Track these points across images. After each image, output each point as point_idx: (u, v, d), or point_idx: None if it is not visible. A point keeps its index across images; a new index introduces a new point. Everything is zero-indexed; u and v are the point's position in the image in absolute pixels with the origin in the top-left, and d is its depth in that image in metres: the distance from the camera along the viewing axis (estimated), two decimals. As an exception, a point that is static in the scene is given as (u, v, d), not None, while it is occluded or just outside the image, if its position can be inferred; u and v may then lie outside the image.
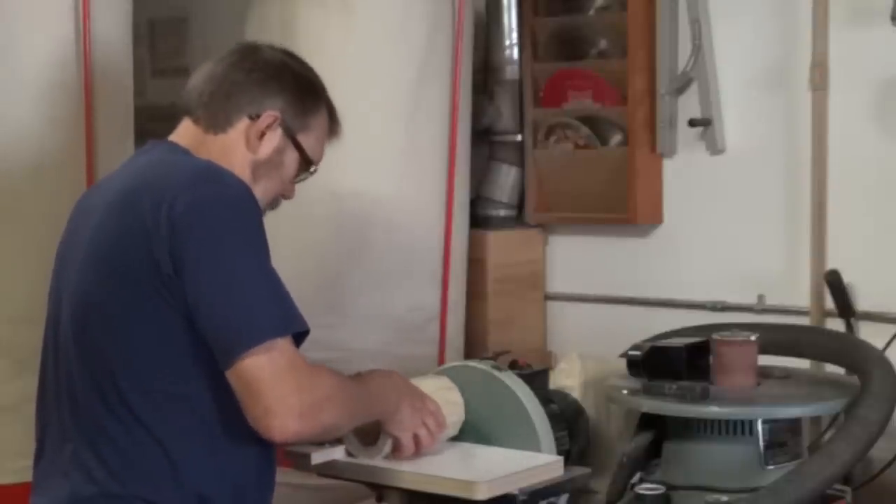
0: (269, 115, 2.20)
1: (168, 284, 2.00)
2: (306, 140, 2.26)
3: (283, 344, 2.00)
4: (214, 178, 2.08)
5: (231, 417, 2.05)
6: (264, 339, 1.97)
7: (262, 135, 2.20)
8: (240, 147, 2.20)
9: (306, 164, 2.27)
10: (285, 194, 2.30)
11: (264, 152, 2.21)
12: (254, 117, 2.20)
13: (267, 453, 2.15)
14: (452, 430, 2.54)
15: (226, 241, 2.01)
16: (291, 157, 2.25)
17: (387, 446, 2.38)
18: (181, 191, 2.03)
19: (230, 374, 1.99)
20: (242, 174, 2.18)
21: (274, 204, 2.30)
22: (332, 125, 2.32)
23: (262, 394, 1.97)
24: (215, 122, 2.21)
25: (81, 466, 2.08)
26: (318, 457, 2.37)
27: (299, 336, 2.05)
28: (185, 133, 2.23)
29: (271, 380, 1.97)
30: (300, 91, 2.25)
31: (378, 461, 2.39)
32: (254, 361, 1.97)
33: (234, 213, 2.04)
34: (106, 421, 2.06)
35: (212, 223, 2.01)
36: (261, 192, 2.21)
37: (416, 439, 2.36)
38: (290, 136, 2.23)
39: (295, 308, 2.05)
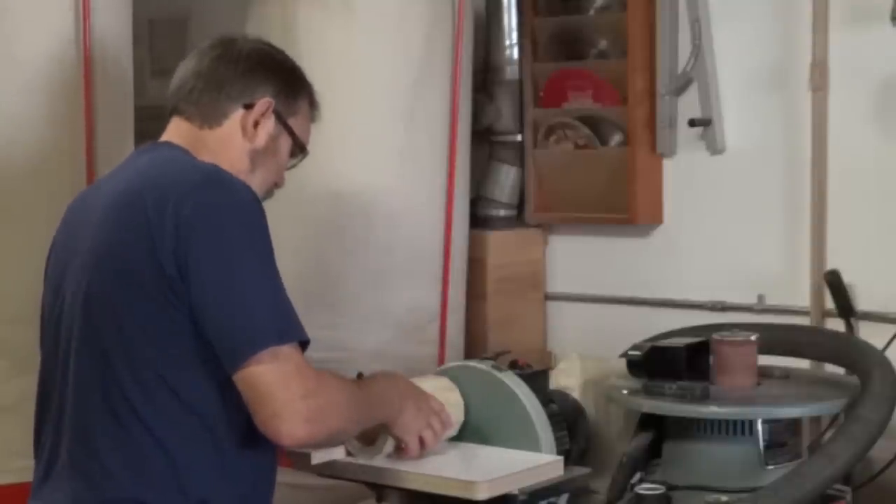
0: (263, 102, 2.21)
1: (172, 286, 1.99)
2: (296, 124, 2.27)
3: (289, 350, 1.99)
4: (222, 182, 2.07)
5: (235, 423, 2.05)
6: (269, 344, 1.97)
7: (256, 123, 2.21)
8: (237, 138, 2.21)
9: (299, 148, 2.29)
10: (278, 182, 2.30)
11: (261, 140, 2.21)
12: (248, 106, 2.21)
13: (269, 459, 2.15)
14: (452, 431, 2.53)
15: (232, 246, 2.00)
16: (284, 143, 2.26)
17: (386, 446, 2.38)
18: (188, 193, 2.02)
19: (237, 379, 1.99)
20: (241, 165, 2.19)
21: (269, 193, 2.29)
22: (313, 111, 2.33)
23: (269, 398, 1.97)
24: (209, 116, 2.21)
25: (83, 472, 2.07)
26: (318, 457, 2.37)
27: (302, 344, 2.05)
28: (178, 132, 2.22)
29: (278, 385, 1.97)
30: (286, 76, 2.26)
31: (378, 461, 2.39)
32: (260, 366, 1.97)
33: (241, 219, 2.03)
34: (110, 425, 2.05)
35: (218, 227, 2.00)
36: (259, 180, 2.22)
37: (421, 440, 2.36)
38: (283, 121, 2.24)
39: (297, 317, 2.05)
